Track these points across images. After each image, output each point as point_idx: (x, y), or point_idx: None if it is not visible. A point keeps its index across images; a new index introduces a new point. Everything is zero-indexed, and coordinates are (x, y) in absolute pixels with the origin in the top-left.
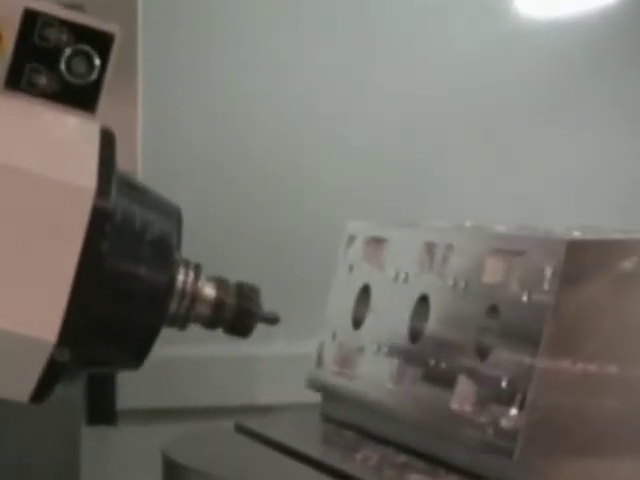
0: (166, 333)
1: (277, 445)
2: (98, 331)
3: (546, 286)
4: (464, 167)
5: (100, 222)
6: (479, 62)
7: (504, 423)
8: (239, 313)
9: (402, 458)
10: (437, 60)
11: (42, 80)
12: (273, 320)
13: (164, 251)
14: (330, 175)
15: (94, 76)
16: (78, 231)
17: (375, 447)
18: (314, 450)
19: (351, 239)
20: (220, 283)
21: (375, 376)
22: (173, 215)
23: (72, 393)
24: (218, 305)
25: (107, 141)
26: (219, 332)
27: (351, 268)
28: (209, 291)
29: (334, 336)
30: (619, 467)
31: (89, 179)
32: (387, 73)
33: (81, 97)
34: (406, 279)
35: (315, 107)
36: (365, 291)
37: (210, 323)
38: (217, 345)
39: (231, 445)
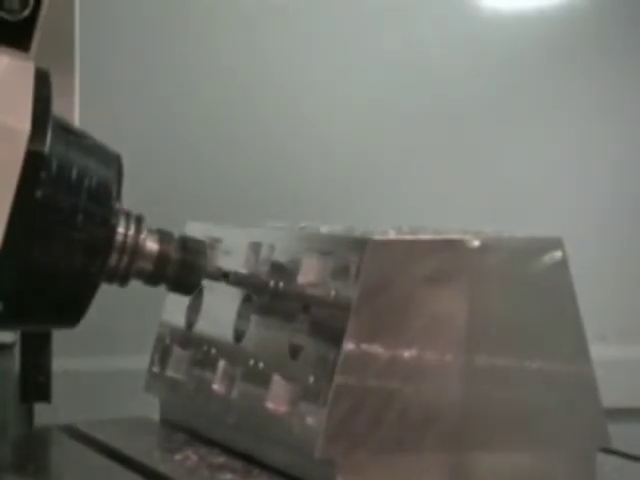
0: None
1: (99, 446)
2: (32, 284)
3: (350, 285)
4: (428, 168)
5: (35, 167)
6: (445, 59)
7: (309, 421)
8: (184, 268)
9: (221, 459)
10: (403, 58)
11: None
12: (219, 276)
13: (103, 200)
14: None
15: (28, 12)
16: (11, 177)
17: (199, 449)
18: (135, 452)
19: None
20: (163, 236)
21: (204, 378)
22: (113, 162)
23: None
24: (161, 259)
25: (42, 82)
26: None
27: None
28: (152, 245)
29: (169, 338)
30: (423, 463)
31: (23, 121)
32: (342, 72)
33: (14, 35)
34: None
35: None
36: (199, 292)
37: (153, 279)
38: None
39: (51, 446)
